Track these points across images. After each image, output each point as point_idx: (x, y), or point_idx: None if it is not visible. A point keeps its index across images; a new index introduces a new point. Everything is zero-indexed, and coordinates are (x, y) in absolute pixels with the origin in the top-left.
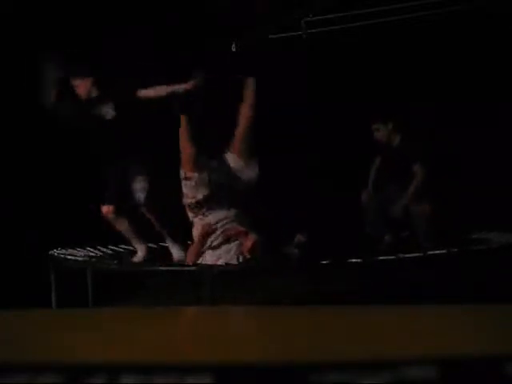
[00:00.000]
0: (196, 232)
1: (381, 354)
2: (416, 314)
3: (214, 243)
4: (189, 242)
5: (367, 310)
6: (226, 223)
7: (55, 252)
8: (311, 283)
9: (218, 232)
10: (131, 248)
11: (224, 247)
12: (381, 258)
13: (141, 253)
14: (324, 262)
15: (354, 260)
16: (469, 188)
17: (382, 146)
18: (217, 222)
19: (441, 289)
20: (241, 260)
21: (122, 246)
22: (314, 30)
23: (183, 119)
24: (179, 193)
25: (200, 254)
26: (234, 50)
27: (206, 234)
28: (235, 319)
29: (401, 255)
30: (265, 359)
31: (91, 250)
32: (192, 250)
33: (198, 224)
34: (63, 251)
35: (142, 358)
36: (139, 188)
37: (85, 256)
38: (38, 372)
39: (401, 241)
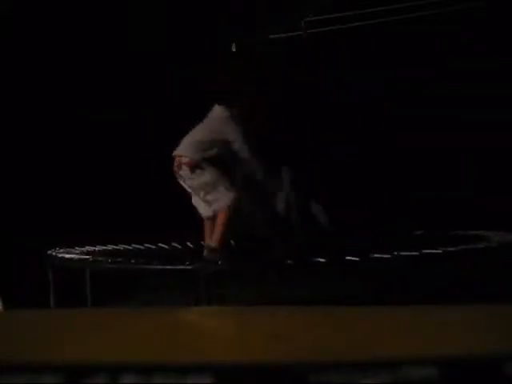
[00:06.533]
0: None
1: (381, 354)
2: (416, 314)
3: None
4: None
5: (367, 310)
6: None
7: (54, 252)
8: (309, 283)
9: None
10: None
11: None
12: (377, 256)
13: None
14: (321, 261)
15: (351, 258)
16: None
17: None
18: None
19: (440, 289)
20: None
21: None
22: (314, 30)
23: None
24: None
25: None
26: (233, 50)
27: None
28: (235, 319)
29: (398, 254)
30: (265, 359)
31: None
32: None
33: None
34: (62, 251)
35: (142, 358)
36: None
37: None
38: (38, 372)
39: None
